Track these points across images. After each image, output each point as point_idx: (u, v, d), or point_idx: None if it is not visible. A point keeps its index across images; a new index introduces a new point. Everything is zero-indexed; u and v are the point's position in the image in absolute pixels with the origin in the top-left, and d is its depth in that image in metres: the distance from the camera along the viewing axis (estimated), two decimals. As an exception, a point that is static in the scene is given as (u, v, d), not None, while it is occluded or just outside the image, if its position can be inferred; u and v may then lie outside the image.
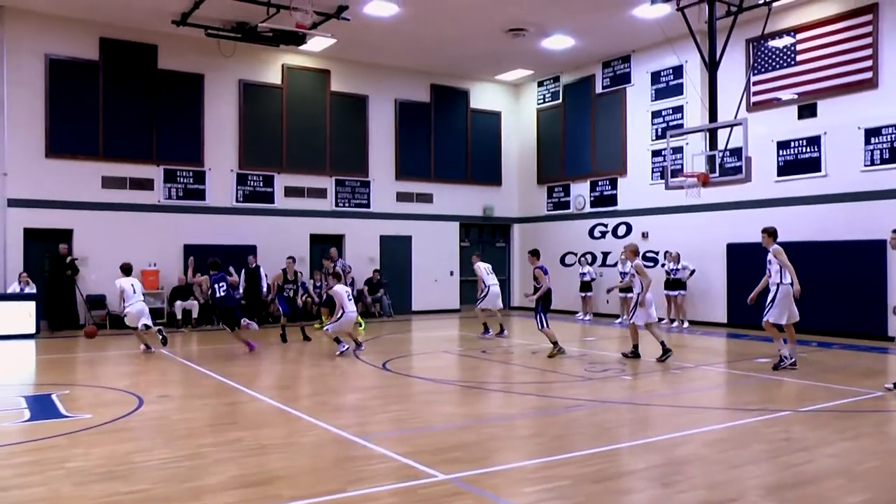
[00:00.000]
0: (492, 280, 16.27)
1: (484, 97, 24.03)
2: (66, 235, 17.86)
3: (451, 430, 7.65)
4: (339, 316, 13.15)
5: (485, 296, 16.10)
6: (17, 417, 8.26)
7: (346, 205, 21.51)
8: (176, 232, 18.89)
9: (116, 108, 18.44)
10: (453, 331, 16.57)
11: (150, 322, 13.66)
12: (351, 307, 13.32)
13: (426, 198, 22.86)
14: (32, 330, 15.90)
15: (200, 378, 10.96)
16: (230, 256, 18.54)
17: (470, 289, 17.81)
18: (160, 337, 13.63)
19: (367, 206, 21.84)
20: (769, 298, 11.27)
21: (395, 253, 22.24)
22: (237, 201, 19.87)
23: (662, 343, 12.21)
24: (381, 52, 20.49)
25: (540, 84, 23.77)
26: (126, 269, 13.94)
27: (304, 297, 17.12)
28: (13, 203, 17.22)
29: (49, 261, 17.48)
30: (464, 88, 23.58)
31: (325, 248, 20.24)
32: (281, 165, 20.50)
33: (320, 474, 6.06)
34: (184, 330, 17.58)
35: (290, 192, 20.64)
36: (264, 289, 18.20)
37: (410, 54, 20.82)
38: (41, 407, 8.76)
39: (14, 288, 16.49)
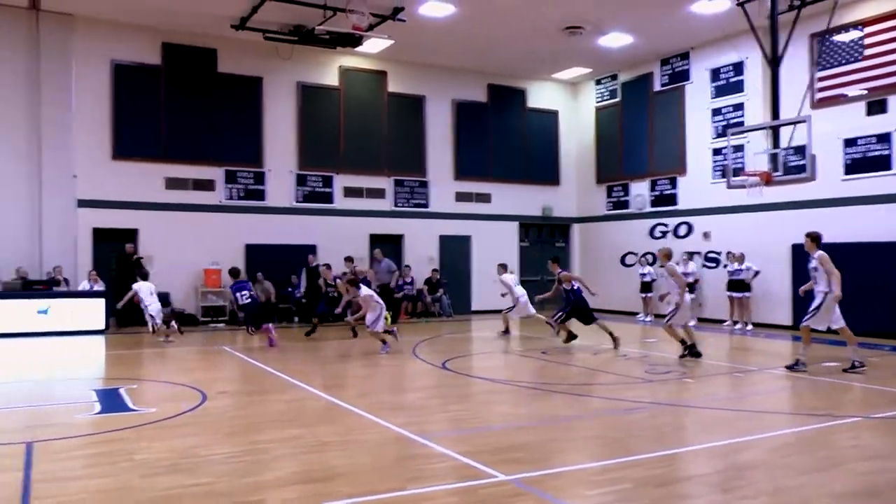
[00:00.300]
0: (520, 290, 16.39)
1: (541, 96, 23.90)
2: (131, 235, 18.35)
3: (510, 430, 7.62)
4: (378, 313, 13.30)
5: (513, 307, 16.29)
6: (89, 410, 8.52)
7: (405, 205, 21.63)
8: (237, 232, 19.25)
9: (178, 111, 18.89)
10: (512, 331, 16.50)
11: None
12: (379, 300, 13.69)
13: (485, 198, 22.83)
14: (102, 326, 16.38)
15: (261, 375, 11.14)
16: (290, 256, 18.88)
17: (531, 289, 17.71)
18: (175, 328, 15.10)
19: (426, 206, 21.93)
20: (815, 304, 10.98)
21: (455, 253, 22.27)
22: (297, 201, 20.14)
23: (682, 342, 12.24)
24: (437, 52, 20.54)
25: (598, 82, 23.55)
26: (144, 276, 15.27)
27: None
28: (82, 203, 17.78)
29: (116, 259, 17.97)
30: (521, 87, 23.49)
31: (384, 248, 20.48)
32: (339, 166, 20.71)
33: (380, 472, 6.09)
34: (245, 328, 17.84)
35: (349, 192, 20.84)
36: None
37: (466, 54, 20.82)
38: (110, 400, 9.03)
39: (84, 285, 17.03)
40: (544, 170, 23.94)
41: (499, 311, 16.33)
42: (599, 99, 23.57)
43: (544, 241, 24.25)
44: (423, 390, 10.26)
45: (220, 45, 19.18)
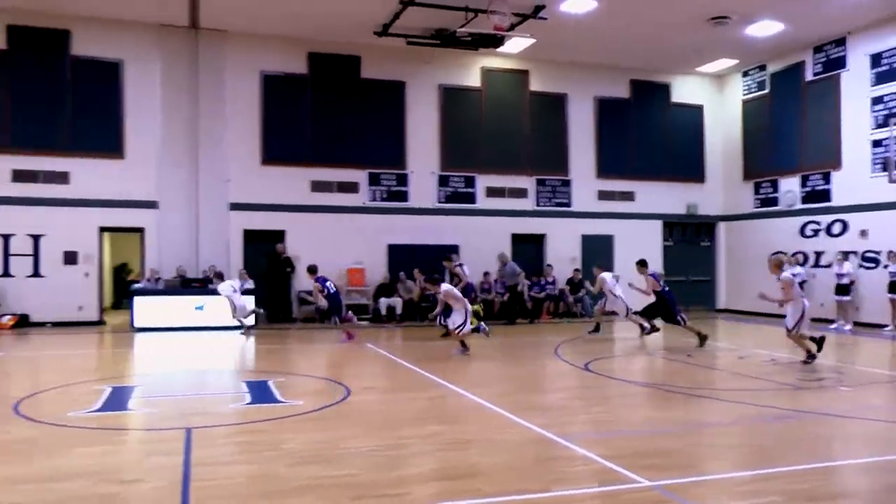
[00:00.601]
0: (620, 290, 16.11)
1: (685, 90, 23.06)
2: (279, 236, 19.14)
3: (654, 434, 7.33)
4: (463, 316, 12.88)
5: (605, 304, 16.41)
6: (240, 400, 8.95)
7: (547, 204, 21.43)
8: (380, 232, 19.71)
9: (323, 116, 19.54)
10: (655, 332, 15.99)
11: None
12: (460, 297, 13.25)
13: (628, 196, 22.27)
14: (252, 322, 17.13)
15: (404, 372, 11.30)
16: (432, 256, 19.09)
17: (676, 289, 17.08)
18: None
19: (568, 205, 21.63)
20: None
21: (597, 252, 21.76)
22: (439, 202, 20.38)
23: (808, 351, 11.60)
24: (579, 49, 20.21)
25: (745, 74, 22.45)
26: (220, 275, 17.11)
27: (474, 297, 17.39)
28: (234, 207, 18.76)
29: (266, 259, 18.80)
30: (664, 82, 22.76)
31: (526, 247, 20.41)
32: (481, 166, 20.78)
33: (521, 472, 5.99)
34: (388, 326, 18.27)
35: (491, 192, 20.87)
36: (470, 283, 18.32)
37: (608, 50, 20.38)
38: (259, 392, 9.40)
39: (235, 283, 17.90)
40: (689, 166, 23.07)
41: (638, 313, 15.85)
42: (746, 91, 22.47)
43: (688, 240, 23.36)
44: (565, 391, 10.08)
45: (364, 52, 19.68)
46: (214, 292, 16.51)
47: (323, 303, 15.60)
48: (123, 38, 18.14)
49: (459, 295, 13.27)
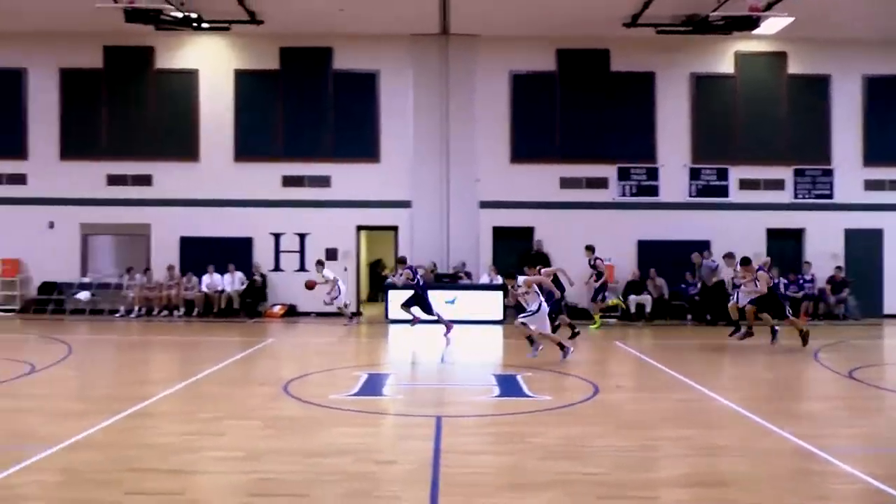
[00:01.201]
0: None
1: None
2: (528, 233, 19.40)
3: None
4: (536, 307, 11.56)
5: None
6: (489, 393, 9.16)
7: (807, 196, 19.75)
8: (629, 228, 19.30)
9: (572, 113, 19.48)
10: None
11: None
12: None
13: (899, 185, 19.96)
14: (500, 317, 17.57)
15: (654, 372, 10.97)
16: (682, 252, 18.38)
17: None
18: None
19: (830, 196, 19.76)
20: None
21: (863, 249, 19.73)
22: (690, 196, 19.55)
23: None
24: (844, 25, 18.26)
25: None
26: (321, 263, 17.75)
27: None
28: (484, 205, 19.32)
29: (519, 256, 19.08)
30: (956, 55, 20.03)
31: (783, 243, 19.03)
32: (734, 157, 19.58)
33: (777, 484, 5.59)
34: (638, 324, 17.85)
35: (745, 184, 19.62)
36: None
37: (880, 21, 18.24)
38: (508, 385, 9.58)
39: (484, 279, 18.45)
40: None
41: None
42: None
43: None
44: (826, 400, 9.24)
45: (612, 45, 19.36)
46: (464, 287, 17.06)
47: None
48: (379, 50, 19.42)
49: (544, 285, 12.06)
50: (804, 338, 12.94)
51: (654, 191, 19.55)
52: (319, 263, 17.73)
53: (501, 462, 6.05)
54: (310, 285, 17.00)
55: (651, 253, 19.17)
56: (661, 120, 19.60)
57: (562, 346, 11.65)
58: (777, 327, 13.26)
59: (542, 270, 12.68)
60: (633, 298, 18.46)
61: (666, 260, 18.74)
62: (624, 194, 19.49)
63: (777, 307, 13.44)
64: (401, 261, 16.38)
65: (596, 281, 17.09)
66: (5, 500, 5.15)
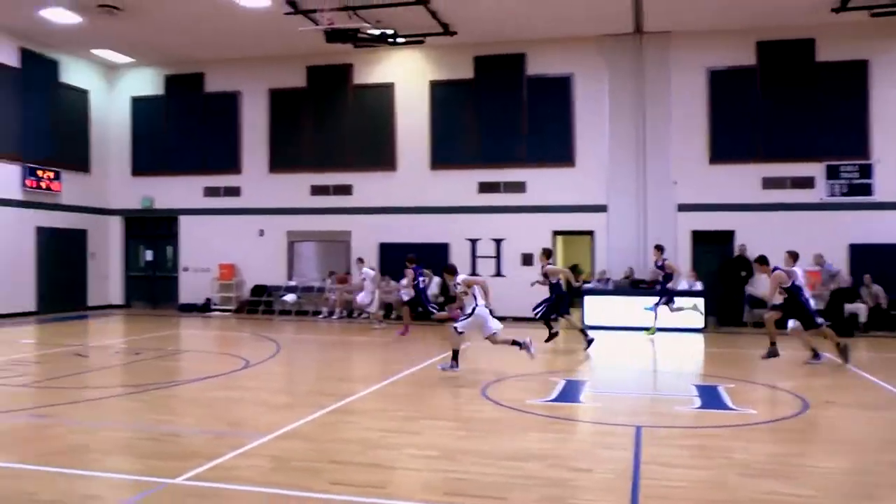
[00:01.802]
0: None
1: None
2: (727, 237, 18.57)
3: None
4: (470, 310, 10.60)
5: None
6: (689, 404, 8.88)
7: None
8: (840, 231, 17.92)
9: (774, 108, 18.48)
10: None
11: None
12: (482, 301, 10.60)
13: None
14: (701, 325, 16.82)
15: (868, 387, 10.16)
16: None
17: None
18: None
19: None
20: None
21: None
22: (911, 194, 17.92)
23: None
24: None
25: None
26: (362, 260, 18.55)
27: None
28: (682, 207, 18.73)
29: (721, 261, 18.35)
30: None
31: None
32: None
33: None
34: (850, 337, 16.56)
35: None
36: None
37: None
38: (710, 397, 9.24)
39: (683, 285, 17.76)
40: None
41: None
42: None
43: None
44: None
45: (818, 33, 18.14)
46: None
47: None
48: (571, 53, 19.43)
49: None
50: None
51: (867, 189, 18.06)
52: (360, 261, 18.46)
53: (703, 476, 5.84)
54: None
55: (866, 258, 17.70)
56: (876, 111, 18.09)
57: (517, 343, 10.74)
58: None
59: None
60: (846, 307, 17.09)
61: (885, 265, 17.26)
62: (833, 194, 18.16)
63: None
64: (409, 260, 16.09)
65: (663, 283, 16.00)
66: (227, 480, 5.65)
